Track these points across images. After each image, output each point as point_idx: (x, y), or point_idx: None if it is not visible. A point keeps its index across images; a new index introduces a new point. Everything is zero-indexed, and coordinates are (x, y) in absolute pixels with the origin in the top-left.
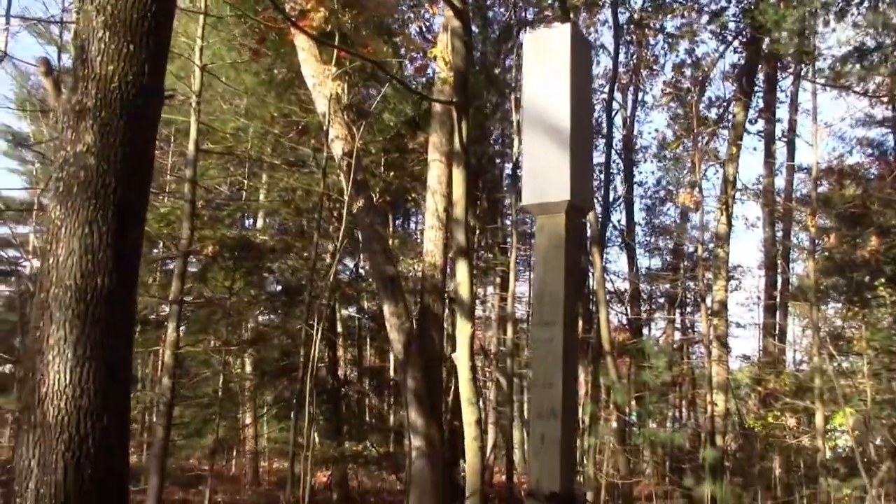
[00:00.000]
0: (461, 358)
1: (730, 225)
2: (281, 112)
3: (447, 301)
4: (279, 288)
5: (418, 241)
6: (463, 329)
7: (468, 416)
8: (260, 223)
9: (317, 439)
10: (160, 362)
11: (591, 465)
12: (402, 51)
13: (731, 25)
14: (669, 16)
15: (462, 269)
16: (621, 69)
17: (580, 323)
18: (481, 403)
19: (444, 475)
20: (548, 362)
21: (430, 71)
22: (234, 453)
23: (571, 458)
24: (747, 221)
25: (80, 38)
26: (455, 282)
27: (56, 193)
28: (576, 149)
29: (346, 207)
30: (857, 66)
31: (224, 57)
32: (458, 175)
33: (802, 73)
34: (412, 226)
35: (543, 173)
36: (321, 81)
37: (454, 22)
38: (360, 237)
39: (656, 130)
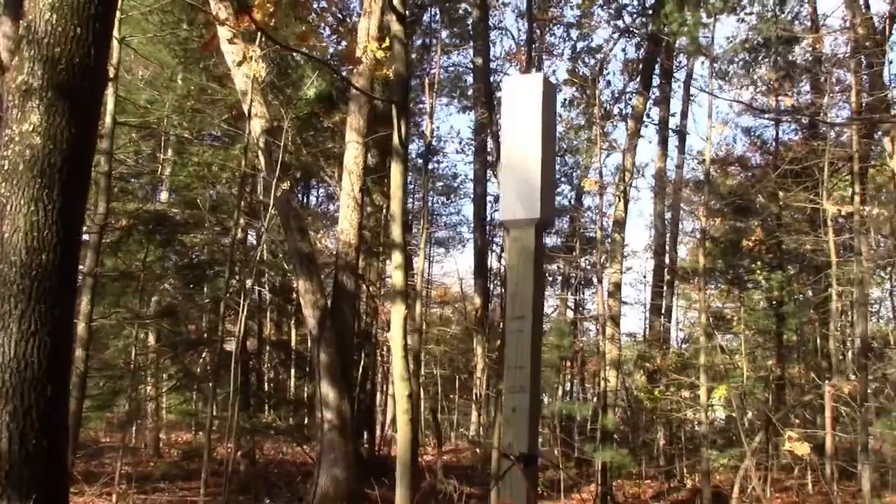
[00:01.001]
0: (395, 337)
1: (626, 210)
2: (197, 86)
3: (360, 278)
4: (194, 261)
5: (321, 215)
6: (397, 311)
7: (400, 390)
8: (165, 196)
9: (215, 411)
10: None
11: (496, 436)
12: (323, 30)
13: (628, 19)
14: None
15: (397, 257)
16: (522, 54)
17: (479, 301)
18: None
19: (355, 447)
20: (519, 348)
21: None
22: (134, 426)
23: (536, 425)
24: (639, 208)
25: (27, 18)
26: (392, 267)
27: (1, 171)
28: (544, 175)
29: (273, 187)
30: (745, 59)
31: (140, 29)
32: (397, 171)
33: (696, 70)
34: (313, 200)
35: (518, 195)
36: (242, 59)
37: (395, 26)
38: (278, 214)
39: (560, 116)
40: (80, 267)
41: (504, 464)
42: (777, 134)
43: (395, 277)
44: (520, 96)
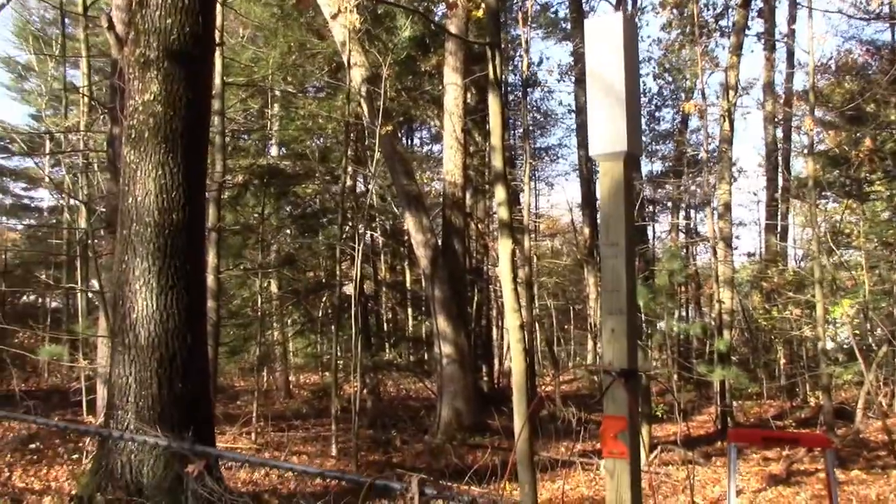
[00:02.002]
0: (503, 271)
1: (732, 129)
2: (297, 41)
3: (468, 216)
4: (308, 210)
5: (427, 157)
6: (504, 245)
7: (512, 321)
8: (275, 150)
9: (339, 352)
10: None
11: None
12: None
13: None
14: None
15: (500, 191)
16: None
17: (588, 232)
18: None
19: (474, 380)
20: (615, 272)
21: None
22: (265, 369)
23: (634, 344)
24: (746, 122)
25: None
26: (496, 203)
27: (128, 139)
28: (630, 109)
29: (377, 134)
30: None
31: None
32: (495, 105)
33: None
34: (417, 142)
35: (606, 130)
36: (338, 11)
37: None
38: (384, 159)
39: (658, 41)
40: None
41: (606, 380)
42: (894, 37)
43: (500, 210)
44: (602, 37)
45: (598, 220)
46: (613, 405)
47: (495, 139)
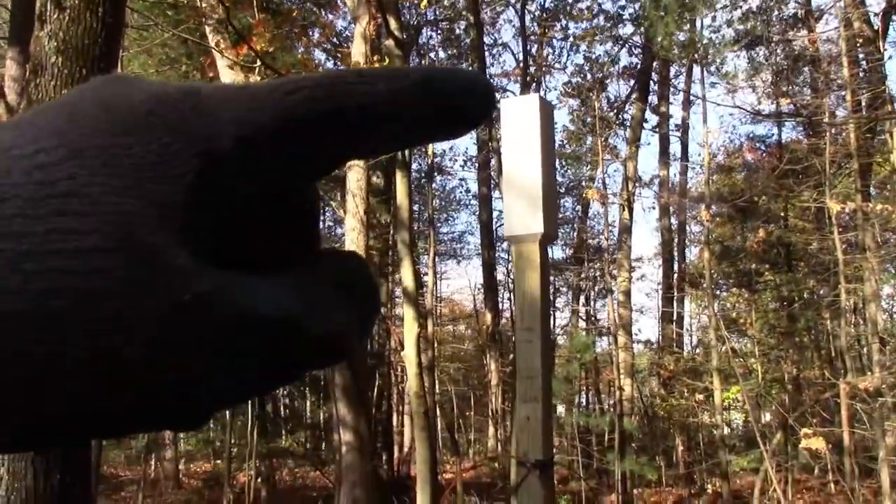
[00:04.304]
0: (409, 355)
1: (631, 218)
2: None
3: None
4: None
5: (328, 238)
6: (410, 328)
7: (416, 407)
8: None
9: (233, 438)
10: None
11: (513, 449)
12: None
13: (629, 29)
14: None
15: (406, 268)
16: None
17: (490, 317)
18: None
19: (374, 468)
20: (530, 358)
21: None
22: (153, 457)
23: (549, 432)
24: (645, 212)
25: (33, 62)
26: (401, 281)
27: None
28: (545, 190)
29: None
30: (744, 61)
31: (141, 64)
32: (402, 184)
33: (695, 75)
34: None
35: (521, 211)
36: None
37: (394, 51)
38: None
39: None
40: None
41: (520, 472)
42: (780, 135)
43: (407, 289)
44: (518, 117)
45: (513, 305)
46: (529, 498)
47: (403, 213)
